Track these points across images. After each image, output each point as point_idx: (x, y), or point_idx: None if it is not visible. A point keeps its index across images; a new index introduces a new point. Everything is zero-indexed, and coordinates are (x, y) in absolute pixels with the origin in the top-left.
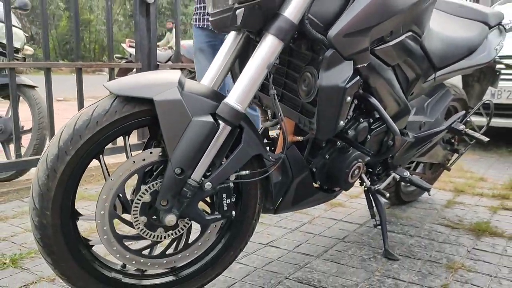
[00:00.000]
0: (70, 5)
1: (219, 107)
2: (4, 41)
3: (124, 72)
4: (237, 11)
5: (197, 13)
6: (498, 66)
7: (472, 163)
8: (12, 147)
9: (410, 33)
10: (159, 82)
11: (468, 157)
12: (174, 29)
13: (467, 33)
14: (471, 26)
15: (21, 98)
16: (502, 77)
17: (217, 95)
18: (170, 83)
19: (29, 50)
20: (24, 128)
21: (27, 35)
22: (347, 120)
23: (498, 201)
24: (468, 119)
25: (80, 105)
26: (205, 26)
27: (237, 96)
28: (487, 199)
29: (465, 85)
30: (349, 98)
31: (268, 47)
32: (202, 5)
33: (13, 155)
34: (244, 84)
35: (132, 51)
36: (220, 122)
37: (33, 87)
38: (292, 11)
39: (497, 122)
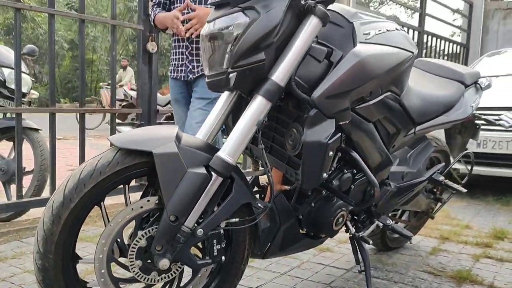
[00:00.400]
0: (73, 45)
1: (212, 159)
2: (13, 86)
3: (125, 114)
4: (230, 75)
5: (172, 64)
6: (477, 120)
7: (459, 210)
8: (13, 187)
9: (389, 93)
10: (158, 137)
11: (455, 205)
12: (128, 67)
13: (444, 91)
14: (448, 84)
15: (24, 139)
16: (487, 127)
17: (211, 148)
18: (168, 138)
19: (34, 94)
20: (26, 169)
21: (33, 79)
22: (331, 171)
23: (481, 249)
24: (450, 169)
25: (82, 149)
26: (177, 78)
27: (229, 149)
28: (471, 246)
29: (447, 138)
30: (331, 153)
31: (257, 107)
32: (176, 56)
33: (13, 195)
34: (235, 139)
35: (133, 94)
36: (213, 173)
37: (37, 130)
38: (279, 75)
39: (483, 170)
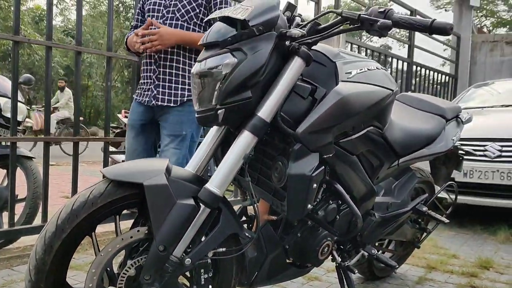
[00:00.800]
0: (69, 71)
1: (200, 191)
2: (8, 115)
3: (118, 142)
4: (219, 111)
5: (139, 87)
6: (460, 152)
7: (447, 239)
8: (4, 215)
9: (371, 127)
10: (148, 169)
11: (444, 234)
12: (66, 88)
13: (426, 125)
14: (430, 119)
15: (17, 167)
16: (474, 158)
17: (199, 180)
18: (158, 170)
19: (29, 122)
20: (18, 197)
21: (28, 108)
22: (316, 202)
23: (467, 278)
24: (435, 199)
25: (75, 176)
26: (141, 102)
27: (216, 182)
28: (456, 276)
29: (432, 168)
30: (315, 185)
31: (244, 142)
32: (144, 80)
33: (5, 222)
34: (222, 172)
35: (126, 121)
36: (201, 204)
37: (30, 158)
38: (265, 111)
39: (470, 200)
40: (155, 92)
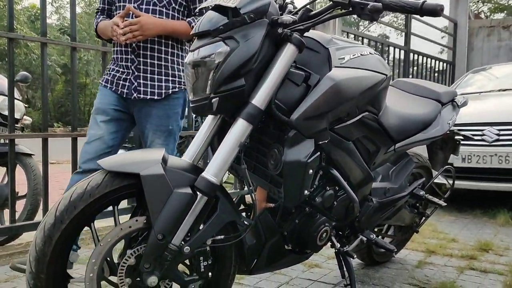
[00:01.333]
0: (67, 69)
1: (197, 180)
2: (6, 113)
3: None
4: (213, 100)
5: (109, 74)
6: (457, 136)
7: (447, 224)
8: (5, 212)
9: (366, 113)
10: (145, 159)
11: (443, 219)
12: None
13: (421, 109)
14: (425, 103)
15: (17, 164)
16: (471, 143)
17: (196, 169)
18: (155, 160)
19: (27, 120)
20: (19, 194)
21: (26, 105)
22: (313, 188)
23: (466, 261)
24: (433, 184)
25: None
26: (115, 91)
27: (213, 170)
28: (456, 259)
29: (429, 153)
30: (311, 171)
31: (239, 130)
32: (118, 68)
33: (6, 219)
34: (218, 161)
35: None
36: (198, 193)
37: (30, 155)
38: (259, 99)
39: (469, 184)
40: (135, 84)
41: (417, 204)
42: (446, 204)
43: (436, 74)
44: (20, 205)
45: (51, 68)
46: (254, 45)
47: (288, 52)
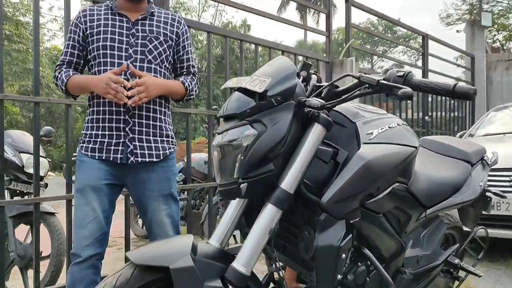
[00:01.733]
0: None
1: (227, 271)
2: (31, 171)
3: None
4: (242, 185)
5: (94, 141)
6: (488, 193)
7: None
8: (29, 272)
9: (396, 184)
10: (174, 250)
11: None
12: None
13: (451, 172)
14: (455, 164)
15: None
16: (500, 189)
17: (226, 257)
18: (184, 251)
19: (51, 176)
20: (42, 254)
21: (49, 160)
22: (345, 268)
23: None
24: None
25: None
26: (107, 159)
27: (243, 260)
28: None
29: (460, 212)
30: (344, 255)
31: (269, 215)
32: (112, 132)
33: (30, 283)
34: (248, 249)
35: None
36: (229, 285)
37: (53, 213)
38: (288, 183)
39: (499, 233)
40: (131, 146)
41: (451, 269)
42: (482, 274)
43: (454, 106)
44: (43, 264)
45: (72, 107)
46: (282, 129)
47: (316, 132)
